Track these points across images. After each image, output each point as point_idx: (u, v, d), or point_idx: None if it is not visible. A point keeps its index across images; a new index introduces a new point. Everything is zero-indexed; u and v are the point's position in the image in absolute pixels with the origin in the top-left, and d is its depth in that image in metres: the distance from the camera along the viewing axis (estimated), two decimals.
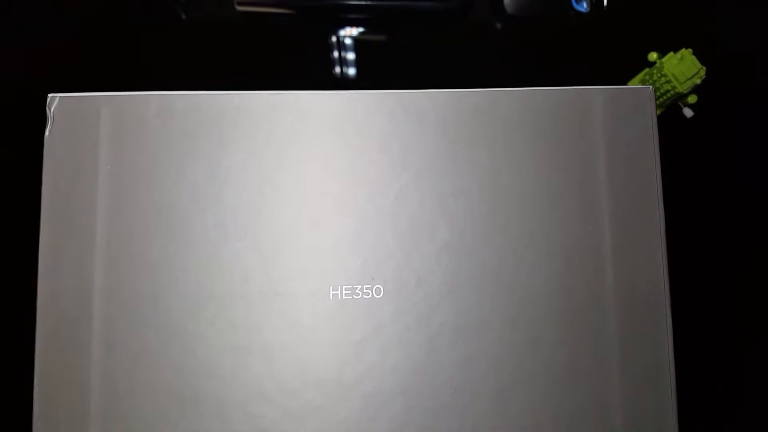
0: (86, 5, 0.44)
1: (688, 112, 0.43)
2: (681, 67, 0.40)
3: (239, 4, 0.44)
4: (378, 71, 0.44)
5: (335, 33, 0.44)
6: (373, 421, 0.26)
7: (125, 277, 0.27)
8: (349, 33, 0.44)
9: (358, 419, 0.26)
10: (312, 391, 0.26)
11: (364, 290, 0.27)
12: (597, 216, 0.27)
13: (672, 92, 0.40)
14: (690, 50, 0.40)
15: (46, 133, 0.27)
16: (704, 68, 0.40)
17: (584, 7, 0.45)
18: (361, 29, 0.45)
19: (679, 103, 0.43)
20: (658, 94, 0.41)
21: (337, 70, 0.44)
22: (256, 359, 0.26)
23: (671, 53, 0.40)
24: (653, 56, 0.41)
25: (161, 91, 0.28)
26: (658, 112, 0.42)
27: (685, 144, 0.43)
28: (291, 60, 0.44)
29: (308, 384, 0.26)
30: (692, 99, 0.42)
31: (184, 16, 0.44)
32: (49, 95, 0.28)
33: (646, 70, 0.42)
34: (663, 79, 0.40)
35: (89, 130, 0.27)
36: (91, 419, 0.26)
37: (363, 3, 0.44)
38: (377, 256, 0.27)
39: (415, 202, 0.27)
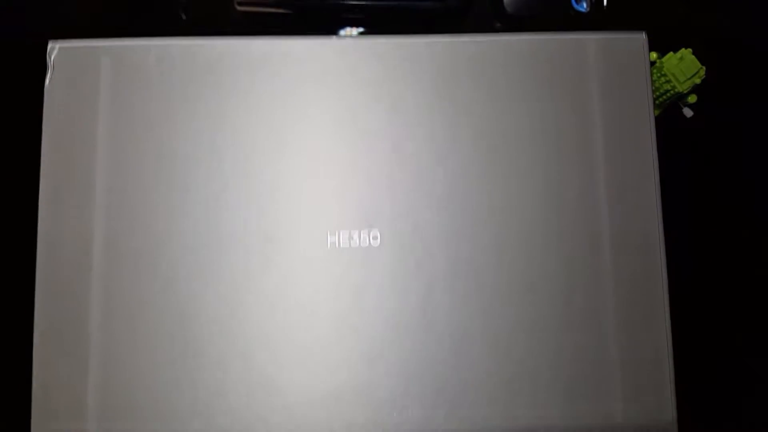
0: (86, 5, 0.44)
1: (688, 112, 0.43)
2: (681, 67, 0.40)
3: (239, 4, 0.44)
4: None
5: (335, 33, 0.44)
6: (371, 363, 0.26)
7: (125, 225, 0.27)
8: (349, 33, 0.44)
9: (356, 362, 0.26)
10: (311, 335, 0.27)
11: (362, 237, 0.27)
12: (592, 162, 0.28)
13: (672, 92, 0.40)
14: (690, 50, 0.40)
15: (47, 82, 0.28)
16: (704, 68, 0.40)
17: (584, 7, 0.45)
18: (360, 29, 0.45)
19: (679, 103, 0.43)
20: (657, 94, 0.41)
21: None
22: (255, 304, 0.27)
23: (671, 53, 0.40)
24: (653, 56, 0.41)
25: (161, 38, 0.28)
26: (657, 112, 0.42)
27: (685, 144, 0.43)
28: None
29: (307, 328, 0.27)
30: (692, 99, 0.42)
31: (184, 17, 0.44)
32: (50, 43, 0.28)
33: None
34: (663, 79, 0.40)
35: (89, 78, 0.28)
36: (90, 364, 0.26)
37: (363, 3, 0.44)
38: (374, 204, 0.27)
39: (412, 150, 0.28)
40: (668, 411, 0.26)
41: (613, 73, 0.28)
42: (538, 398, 0.26)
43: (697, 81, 0.40)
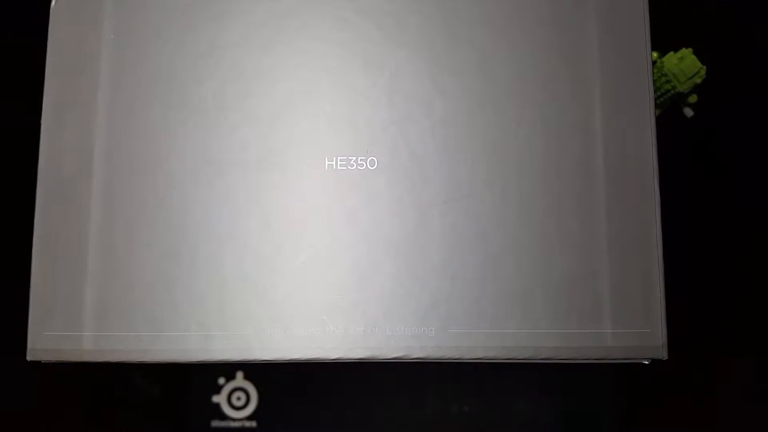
0: None
1: (688, 112, 0.43)
2: (681, 67, 0.40)
3: None
4: None
5: None
6: (364, 281, 0.27)
7: (125, 141, 0.28)
8: None
9: (350, 280, 0.27)
10: (306, 253, 0.27)
11: (359, 161, 0.27)
12: (589, 95, 0.28)
13: (672, 92, 0.40)
14: (690, 50, 0.40)
15: (53, 3, 0.29)
16: (704, 68, 0.40)
17: None
18: None
19: (680, 103, 0.43)
20: (658, 93, 0.41)
21: None
22: (252, 222, 0.27)
23: (671, 53, 0.40)
24: (653, 56, 0.41)
25: None
26: (658, 112, 0.42)
27: (685, 144, 0.43)
28: None
29: (303, 246, 0.27)
30: (692, 99, 0.42)
31: None
32: None
33: None
34: (663, 79, 0.40)
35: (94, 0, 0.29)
36: (89, 278, 0.27)
37: None
38: (372, 130, 0.28)
39: (411, 78, 0.28)
40: (658, 335, 0.27)
41: (612, 9, 0.29)
42: (528, 319, 0.26)
43: (698, 81, 0.40)
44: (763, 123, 0.44)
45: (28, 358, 0.27)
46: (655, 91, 0.40)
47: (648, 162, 0.28)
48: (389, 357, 0.26)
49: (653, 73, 0.41)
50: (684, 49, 0.40)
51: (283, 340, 0.26)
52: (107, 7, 0.29)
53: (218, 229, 0.27)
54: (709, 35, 0.44)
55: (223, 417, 0.42)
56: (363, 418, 0.42)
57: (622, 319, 0.27)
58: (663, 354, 0.26)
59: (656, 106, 0.41)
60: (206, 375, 0.42)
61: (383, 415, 0.42)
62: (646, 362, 0.27)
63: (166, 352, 0.26)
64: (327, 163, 0.28)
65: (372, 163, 0.28)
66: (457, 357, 0.26)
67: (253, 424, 0.42)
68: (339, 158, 0.28)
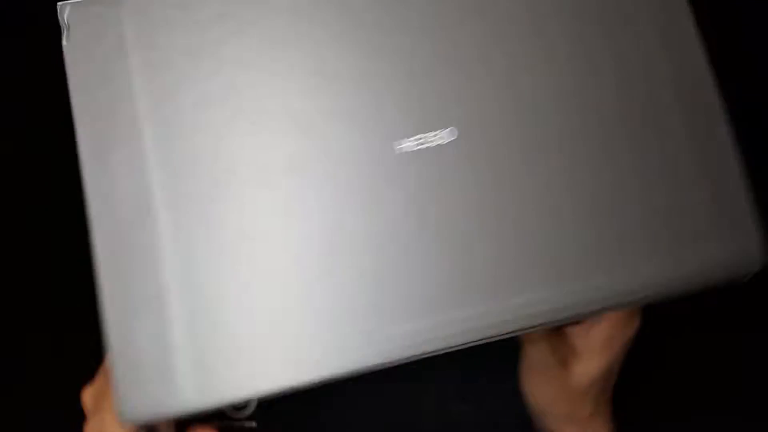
0: None
1: None
2: None
3: None
4: None
5: None
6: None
7: (178, 171, 0.26)
8: None
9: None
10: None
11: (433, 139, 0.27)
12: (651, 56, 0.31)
13: None
14: None
15: (64, 41, 0.27)
16: None
17: None
18: None
19: None
20: None
21: None
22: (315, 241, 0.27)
23: None
24: None
25: None
26: None
27: None
28: None
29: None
30: None
31: None
32: (59, 4, 0.27)
33: None
34: None
35: (110, 29, 0.27)
36: (175, 323, 0.25)
37: None
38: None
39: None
40: (755, 249, 0.28)
41: None
42: (628, 255, 0.27)
43: None
44: (763, 123, 0.44)
45: (120, 420, 0.25)
46: None
47: (711, 91, 0.31)
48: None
49: None
50: None
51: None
52: (128, 33, 0.27)
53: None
54: (709, 35, 0.44)
55: (223, 417, 0.42)
56: (363, 418, 0.42)
57: (717, 239, 0.27)
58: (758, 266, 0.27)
59: None
60: None
61: (383, 415, 0.42)
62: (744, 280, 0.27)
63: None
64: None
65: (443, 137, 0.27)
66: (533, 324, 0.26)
67: (253, 424, 0.42)
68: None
